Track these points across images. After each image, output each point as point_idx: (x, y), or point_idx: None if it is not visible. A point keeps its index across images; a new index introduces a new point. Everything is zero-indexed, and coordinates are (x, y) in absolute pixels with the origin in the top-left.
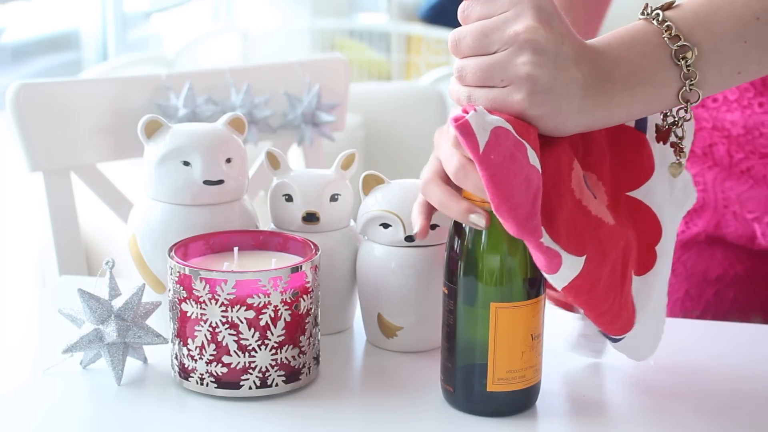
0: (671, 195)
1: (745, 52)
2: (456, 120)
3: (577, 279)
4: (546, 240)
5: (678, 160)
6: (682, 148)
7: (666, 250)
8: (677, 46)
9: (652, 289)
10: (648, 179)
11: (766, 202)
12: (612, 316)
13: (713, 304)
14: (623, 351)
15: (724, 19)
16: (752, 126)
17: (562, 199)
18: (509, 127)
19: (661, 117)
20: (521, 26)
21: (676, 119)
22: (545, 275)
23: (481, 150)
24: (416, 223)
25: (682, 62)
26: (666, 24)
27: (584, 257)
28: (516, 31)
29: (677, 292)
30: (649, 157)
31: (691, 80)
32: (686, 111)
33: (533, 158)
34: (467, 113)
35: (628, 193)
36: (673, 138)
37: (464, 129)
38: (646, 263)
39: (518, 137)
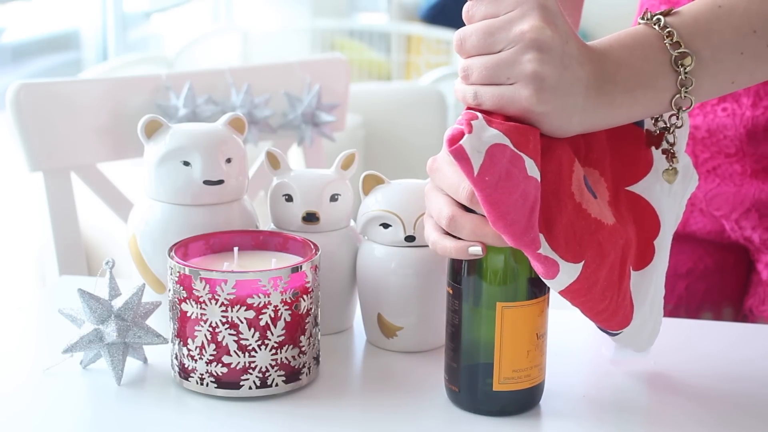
0: (671, 188)
1: (741, 63)
2: (450, 143)
3: (575, 284)
4: (544, 249)
5: (671, 166)
6: (674, 154)
7: (664, 244)
8: (678, 52)
9: (649, 284)
10: (646, 174)
11: (732, 200)
12: (609, 314)
13: (685, 298)
14: (621, 343)
15: (723, 29)
16: (716, 129)
17: (562, 204)
18: (506, 141)
19: (653, 122)
20: (527, 25)
21: (668, 125)
22: (543, 279)
23: (475, 173)
24: (470, 246)
25: (681, 69)
26: (667, 30)
27: (582, 263)
28: (522, 29)
29: None
30: (647, 152)
31: (687, 87)
32: (678, 117)
33: (531, 169)
34: (463, 133)
35: (627, 188)
36: (665, 144)
37: (458, 154)
38: (644, 258)
39: (516, 150)
